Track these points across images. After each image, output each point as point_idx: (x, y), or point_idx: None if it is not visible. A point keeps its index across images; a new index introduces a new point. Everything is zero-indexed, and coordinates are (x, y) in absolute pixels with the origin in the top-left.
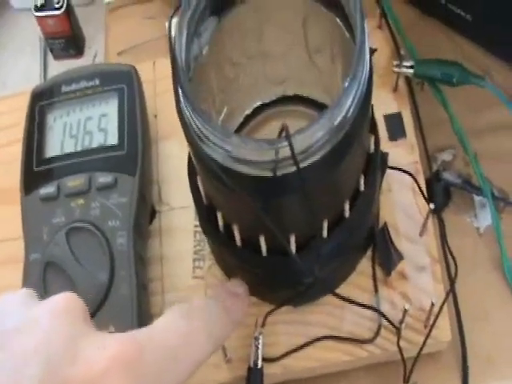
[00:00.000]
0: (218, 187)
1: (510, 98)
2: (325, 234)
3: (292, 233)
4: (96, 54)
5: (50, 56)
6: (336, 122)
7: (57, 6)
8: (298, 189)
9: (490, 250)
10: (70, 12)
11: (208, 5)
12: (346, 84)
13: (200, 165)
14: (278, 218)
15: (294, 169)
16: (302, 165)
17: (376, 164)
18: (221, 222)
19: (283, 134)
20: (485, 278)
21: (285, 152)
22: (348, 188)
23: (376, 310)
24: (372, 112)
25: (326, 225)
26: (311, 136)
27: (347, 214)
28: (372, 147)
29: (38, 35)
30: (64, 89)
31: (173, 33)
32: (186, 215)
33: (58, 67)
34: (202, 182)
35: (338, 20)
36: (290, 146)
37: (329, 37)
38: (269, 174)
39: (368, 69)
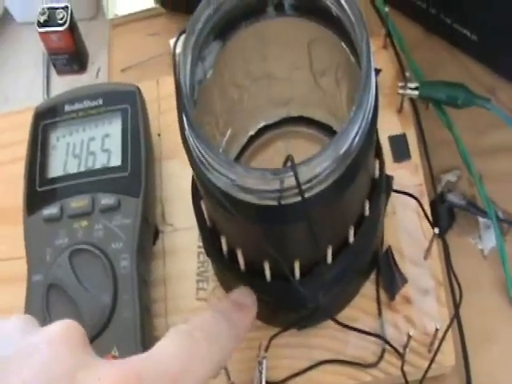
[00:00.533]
0: (222, 213)
1: None
2: (329, 259)
3: (296, 259)
4: (99, 69)
5: (53, 71)
6: (341, 152)
7: (60, 21)
8: (303, 218)
9: (495, 272)
10: (73, 28)
11: (212, 29)
12: (352, 113)
13: (204, 190)
14: (281, 245)
15: (298, 198)
16: (306, 195)
17: (381, 189)
18: (224, 247)
19: (288, 164)
20: (489, 300)
21: (289, 182)
22: (353, 214)
23: (378, 336)
24: (377, 136)
25: (330, 251)
26: (316, 166)
27: (352, 239)
28: (377, 172)
29: (41, 50)
30: (67, 108)
31: (177, 58)
32: (190, 236)
33: (61, 82)
34: (205, 205)
35: (343, 44)
36: (296, 176)
37: (334, 60)
38: (273, 203)
39: (373, 97)
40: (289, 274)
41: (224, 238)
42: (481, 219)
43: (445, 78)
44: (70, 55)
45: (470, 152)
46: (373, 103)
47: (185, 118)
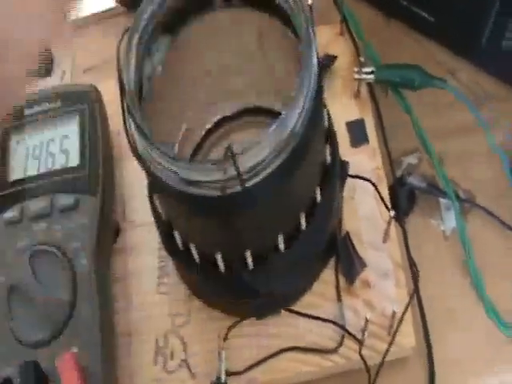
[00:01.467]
0: (171, 206)
1: (476, 98)
2: (281, 247)
3: (247, 248)
4: (64, 72)
5: None
6: (282, 138)
7: None
8: (248, 206)
9: (456, 253)
10: None
11: (158, 25)
12: (291, 99)
13: (151, 184)
14: (230, 235)
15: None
16: (250, 182)
17: (334, 175)
18: (178, 240)
19: (228, 154)
20: (451, 281)
21: (232, 171)
22: (303, 200)
23: (334, 322)
24: (330, 122)
25: (281, 238)
26: (257, 154)
27: (304, 226)
28: (328, 158)
29: None
30: (27, 111)
31: (121, 56)
32: (151, 232)
33: (28, 87)
34: (158, 200)
35: (290, 33)
36: (235, 165)
37: (284, 49)
38: (217, 193)
39: (314, 82)
40: (233, 265)
41: (177, 231)
42: (442, 200)
43: (405, 61)
44: None
45: (430, 133)
46: (314, 87)
47: (127, 114)
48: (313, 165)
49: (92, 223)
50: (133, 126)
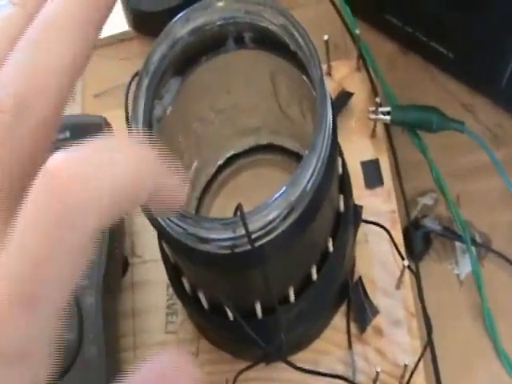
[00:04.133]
0: (180, 258)
1: (493, 136)
2: (292, 298)
3: (256, 300)
4: (74, 96)
5: None
6: (294, 198)
7: None
8: (258, 264)
9: (471, 299)
10: None
11: (169, 67)
12: (304, 159)
13: (159, 235)
14: (239, 289)
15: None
16: (261, 241)
17: (346, 223)
18: (187, 286)
19: (238, 214)
20: (465, 328)
21: (241, 231)
22: (314, 253)
23: (343, 378)
24: (344, 169)
25: (291, 290)
26: (268, 214)
27: (315, 276)
28: (342, 206)
29: None
30: None
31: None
32: (159, 268)
33: None
34: (166, 249)
35: (304, 77)
36: (245, 226)
37: (297, 91)
38: (227, 251)
39: (330, 139)
40: (240, 319)
41: (186, 279)
42: (457, 244)
43: (422, 97)
44: None
45: (446, 174)
46: (328, 146)
47: None
48: (326, 217)
49: (100, 260)
50: None
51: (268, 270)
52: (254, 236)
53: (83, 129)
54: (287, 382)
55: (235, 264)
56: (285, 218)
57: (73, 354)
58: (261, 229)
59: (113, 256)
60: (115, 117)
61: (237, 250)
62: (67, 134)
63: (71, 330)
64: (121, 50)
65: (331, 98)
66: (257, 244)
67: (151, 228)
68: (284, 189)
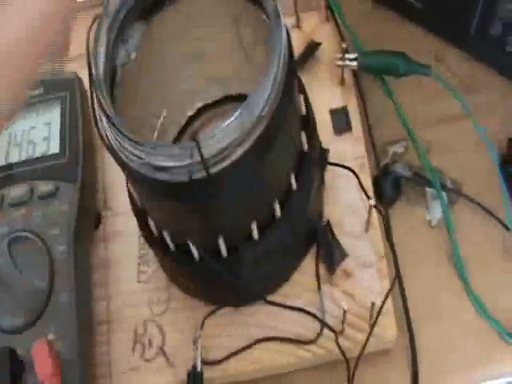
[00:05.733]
0: (143, 194)
1: (464, 85)
2: (255, 236)
3: (220, 235)
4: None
5: None
6: (249, 124)
7: None
8: (216, 193)
9: (442, 243)
10: None
11: (131, 11)
12: (258, 83)
13: (123, 171)
14: (202, 222)
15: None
16: (217, 168)
17: (310, 162)
18: (153, 227)
19: (195, 139)
20: (435, 271)
21: (198, 157)
22: (276, 188)
23: (311, 313)
24: (308, 109)
25: (255, 227)
26: (223, 139)
27: (278, 214)
28: (305, 145)
29: None
30: None
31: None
32: (131, 220)
33: None
34: (132, 186)
35: (265, 17)
36: (199, 150)
37: (261, 34)
38: (184, 178)
39: (285, 65)
40: (204, 253)
41: (151, 219)
42: (428, 190)
43: (393, 48)
44: None
45: (418, 122)
46: (284, 70)
47: (95, 100)
48: (285, 151)
49: (71, 210)
50: (100, 112)
51: (227, 200)
52: (210, 162)
53: (56, 85)
54: (256, 327)
55: (194, 193)
56: (240, 143)
57: (44, 302)
58: (217, 155)
59: (85, 206)
60: (87, 76)
61: (194, 177)
62: (41, 90)
63: (42, 278)
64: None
65: (289, 39)
66: (213, 170)
67: (123, 182)
68: (239, 112)
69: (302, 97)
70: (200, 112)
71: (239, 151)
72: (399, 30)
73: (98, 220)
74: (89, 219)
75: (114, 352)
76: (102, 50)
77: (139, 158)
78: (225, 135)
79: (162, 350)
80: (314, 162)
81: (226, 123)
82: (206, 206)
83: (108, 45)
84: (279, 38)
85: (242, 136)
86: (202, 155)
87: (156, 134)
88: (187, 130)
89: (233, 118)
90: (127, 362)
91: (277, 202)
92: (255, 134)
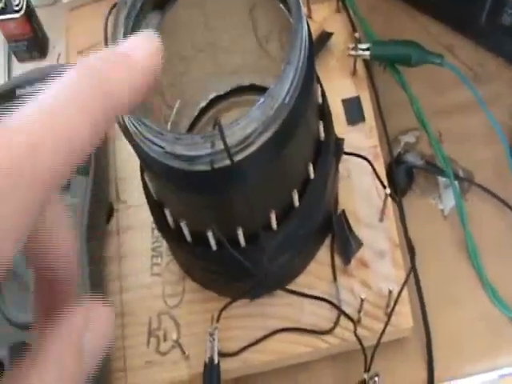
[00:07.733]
0: (161, 184)
1: (474, 75)
2: (274, 225)
3: (239, 225)
4: (60, 54)
5: (14, 59)
6: (271, 112)
7: (16, 8)
8: (238, 181)
9: (455, 232)
10: (30, 14)
11: (148, 0)
12: (282, 72)
13: (141, 162)
14: (222, 212)
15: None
16: (239, 156)
17: (327, 151)
18: (170, 219)
19: (217, 128)
20: (449, 260)
21: (220, 145)
22: (295, 177)
23: (329, 301)
24: (324, 99)
25: (273, 216)
26: (245, 127)
27: (297, 203)
28: (322, 134)
29: (1, 38)
30: (18, 92)
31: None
32: (144, 212)
33: (23, 70)
34: (148, 177)
35: (282, 6)
36: (223, 138)
37: (276, 24)
38: (206, 167)
39: (306, 55)
40: (224, 241)
41: (168, 210)
42: (441, 179)
43: (403, 38)
44: (29, 42)
45: (429, 111)
46: (305, 59)
47: None
48: (305, 140)
49: (84, 204)
50: None
51: (248, 189)
52: (232, 151)
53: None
54: (272, 318)
55: (216, 182)
56: (263, 132)
57: None
58: (239, 143)
59: (97, 199)
60: None
61: (216, 166)
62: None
63: None
64: (103, 6)
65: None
66: (236, 159)
67: (136, 174)
68: (262, 100)
69: (318, 86)
70: (212, 103)
71: (262, 138)
72: (409, 20)
73: (110, 213)
74: (101, 212)
75: (128, 346)
76: (119, 39)
77: (161, 147)
78: (248, 122)
79: (177, 343)
80: (331, 150)
81: (249, 112)
82: (227, 195)
83: (126, 33)
84: (301, 26)
85: (265, 124)
86: (225, 142)
87: (169, 126)
88: (200, 121)
89: (257, 106)
90: (142, 356)
91: (295, 190)
92: (278, 122)
